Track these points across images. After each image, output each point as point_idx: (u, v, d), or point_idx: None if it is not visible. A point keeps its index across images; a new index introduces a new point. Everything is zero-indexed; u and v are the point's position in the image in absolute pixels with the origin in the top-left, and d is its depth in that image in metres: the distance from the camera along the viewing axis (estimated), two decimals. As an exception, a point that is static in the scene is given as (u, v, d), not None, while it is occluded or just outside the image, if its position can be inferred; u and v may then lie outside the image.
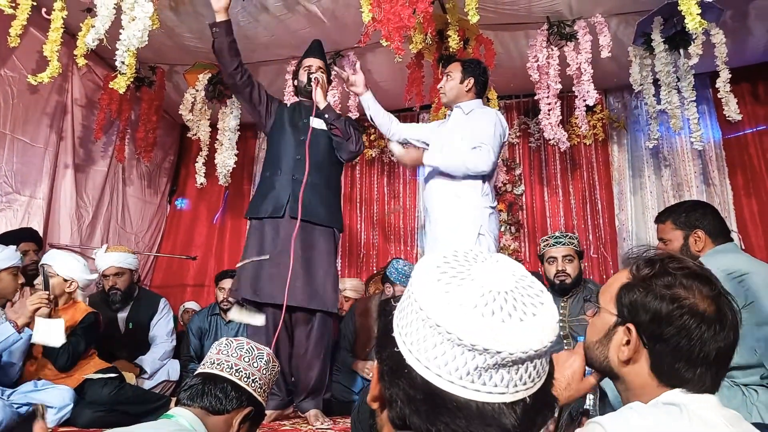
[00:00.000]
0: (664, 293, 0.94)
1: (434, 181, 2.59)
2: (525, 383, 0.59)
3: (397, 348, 0.62)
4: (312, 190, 2.75)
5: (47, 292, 2.46)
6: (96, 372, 2.73)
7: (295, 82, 3.05)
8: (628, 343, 0.97)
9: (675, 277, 0.95)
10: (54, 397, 2.46)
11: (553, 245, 2.75)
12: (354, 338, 3.48)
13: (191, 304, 4.53)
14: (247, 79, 2.84)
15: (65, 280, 2.77)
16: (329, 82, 3.08)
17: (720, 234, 2.08)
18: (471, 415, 0.58)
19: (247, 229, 2.95)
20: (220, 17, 2.65)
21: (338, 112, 3.12)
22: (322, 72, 2.93)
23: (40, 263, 2.79)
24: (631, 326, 0.97)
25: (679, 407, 0.87)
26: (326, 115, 2.82)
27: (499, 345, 0.57)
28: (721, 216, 2.18)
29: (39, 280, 2.65)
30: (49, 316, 2.45)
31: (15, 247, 2.66)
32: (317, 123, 2.86)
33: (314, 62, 2.94)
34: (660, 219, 2.20)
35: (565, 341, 2.61)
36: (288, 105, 3.10)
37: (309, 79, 2.87)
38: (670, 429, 0.83)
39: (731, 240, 2.10)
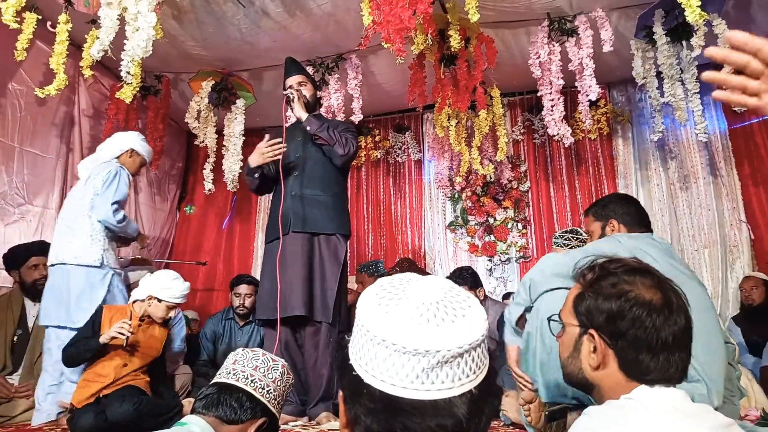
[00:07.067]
0: (610, 292, 0.99)
1: None
2: (468, 376, 0.69)
3: (355, 372, 0.71)
4: (310, 202, 2.82)
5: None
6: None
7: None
8: (595, 349, 1.01)
9: (616, 274, 1.01)
10: None
11: (561, 245, 2.70)
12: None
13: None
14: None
15: (170, 308, 2.58)
16: (316, 87, 3.11)
17: (636, 223, 2.04)
18: (425, 412, 0.66)
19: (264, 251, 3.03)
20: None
21: (324, 117, 3.14)
22: (301, 84, 2.96)
23: (133, 300, 2.61)
24: (593, 331, 1.01)
25: (633, 401, 0.90)
26: (308, 128, 2.85)
27: (437, 345, 0.67)
28: (643, 208, 2.15)
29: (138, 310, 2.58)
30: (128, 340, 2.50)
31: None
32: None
33: (292, 81, 2.97)
34: (585, 212, 2.24)
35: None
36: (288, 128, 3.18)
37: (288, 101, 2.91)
38: (615, 424, 0.86)
39: (649, 231, 2.04)
